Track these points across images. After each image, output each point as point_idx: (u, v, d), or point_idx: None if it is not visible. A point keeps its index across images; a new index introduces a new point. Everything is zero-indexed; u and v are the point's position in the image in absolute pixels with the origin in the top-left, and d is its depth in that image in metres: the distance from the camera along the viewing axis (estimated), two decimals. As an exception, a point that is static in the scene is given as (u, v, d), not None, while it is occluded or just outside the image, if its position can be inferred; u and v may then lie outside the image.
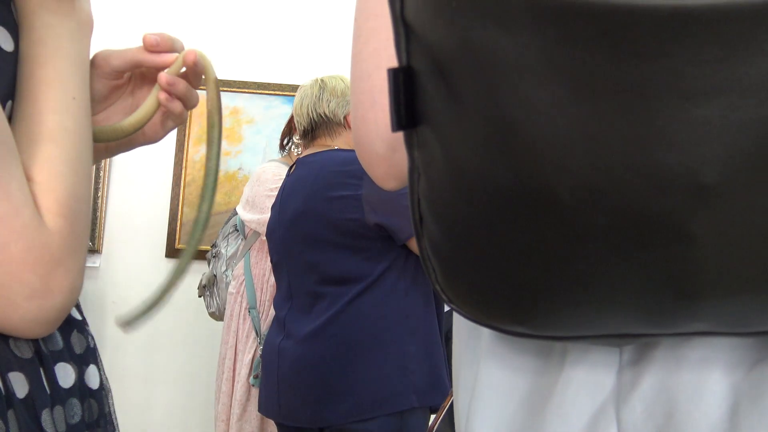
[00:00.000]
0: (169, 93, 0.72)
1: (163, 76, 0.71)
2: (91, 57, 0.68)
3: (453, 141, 0.46)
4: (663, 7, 0.37)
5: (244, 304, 2.30)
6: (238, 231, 2.46)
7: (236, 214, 2.46)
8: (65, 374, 0.58)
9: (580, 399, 0.57)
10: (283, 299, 1.82)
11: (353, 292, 1.64)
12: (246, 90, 3.16)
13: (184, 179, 3.14)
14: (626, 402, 0.56)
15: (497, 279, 0.48)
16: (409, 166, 0.51)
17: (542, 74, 0.41)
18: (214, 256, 2.49)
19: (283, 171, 2.23)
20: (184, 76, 0.72)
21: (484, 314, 0.51)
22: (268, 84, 3.18)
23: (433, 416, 1.69)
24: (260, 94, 3.18)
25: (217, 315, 2.47)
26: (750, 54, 0.38)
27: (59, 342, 0.59)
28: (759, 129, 0.39)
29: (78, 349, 0.62)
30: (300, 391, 1.68)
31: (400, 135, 0.57)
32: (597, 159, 0.41)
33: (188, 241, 0.75)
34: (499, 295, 0.49)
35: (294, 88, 3.06)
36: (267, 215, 2.02)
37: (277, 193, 1.96)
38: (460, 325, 0.68)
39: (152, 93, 0.72)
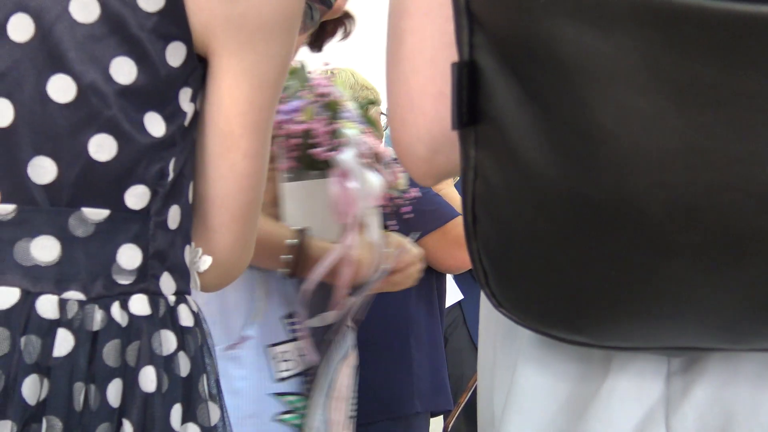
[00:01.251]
0: None
1: None
2: None
3: (526, 144, 0.44)
4: None
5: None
6: None
7: None
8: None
9: (626, 406, 0.56)
10: None
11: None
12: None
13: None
14: (677, 410, 0.55)
15: (563, 288, 0.46)
16: (462, 164, 0.49)
17: (641, 81, 0.39)
18: None
19: None
20: None
21: (539, 321, 0.50)
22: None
23: (433, 419, 1.69)
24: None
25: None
26: None
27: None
28: None
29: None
30: None
31: (441, 137, 0.54)
32: (697, 174, 0.39)
33: None
34: (563, 303, 0.47)
35: (290, 85, 3.04)
36: None
37: None
38: (491, 325, 0.67)
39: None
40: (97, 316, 0.56)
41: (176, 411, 0.58)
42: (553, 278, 0.46)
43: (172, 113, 0.60)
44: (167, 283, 0.61)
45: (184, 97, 0.61)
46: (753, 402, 0.52)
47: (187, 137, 0.62)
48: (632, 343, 0.49)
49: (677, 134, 0.39)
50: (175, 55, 0.59)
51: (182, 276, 0.63)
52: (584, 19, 0.39)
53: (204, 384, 0.62)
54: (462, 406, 1.26)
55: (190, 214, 0.64)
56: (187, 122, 0.62)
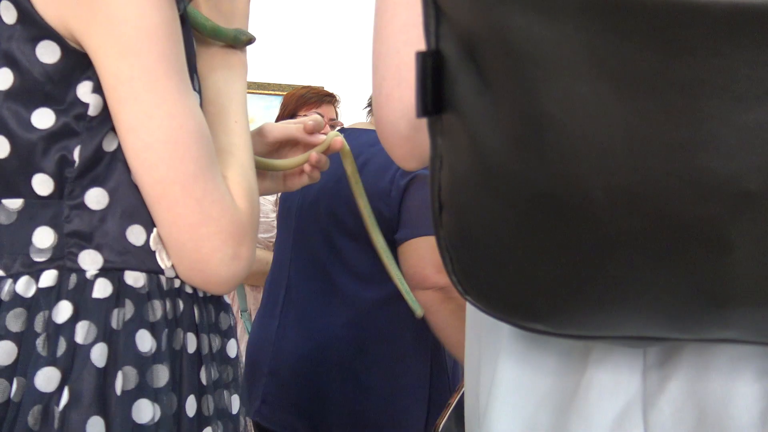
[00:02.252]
0: (314, 166, 0.98)
1: (314, 156, 0.98)
2: (259, 125, 0.99)
3: (482, 132, 0.44)
4: (720, 4, 0.36)
5: (235, 308, 2.29)
6: None
7: None
8: (211, 343, 0.74)
9: (603, 400, 0.56)
10: (280, 281, 1.61)
11: (374, 295, 1.49)
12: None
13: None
14: (654, 405, 0.55)
15: (519, 276, 0.47)
16: (431, 153, 0.49)
17: (584, 69, 0.39)
18: None
19: None
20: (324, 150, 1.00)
21: (500, 309, 0.50)
22: (268, 84, 3.18)
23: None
24: (260, 94, 3.18)
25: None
26: None
27: (212, 318, 0.76)
28: None
29: (223, 326, 0.78)
30: (294, 393, 1.51)
31: None
32: (637, 160, 0.39)
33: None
34: (520, 291, 0.48)
35: (294, 88, 3.05)
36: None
37: None
38: (477, 321, 0.67)
39: (302, 155, 0.99)
40: (5, 288, 0.64)
41: (44, 373, 0.63)
42: (511, 266, 0.46)
43: (67, 106, 0.66)
44: (90, 259, 0.67)
45: (84, 89, 0.66)
46: (724, 395, 0.52)
47: (98, 125, 0.67)
48: (589, 331, 0.49)
49: (618, 121, 0.39)
50: (48, 53, 0.65)
51: (121, 253, 0.68)
52: (533, 7, 0.40)
53: (127, 352, 0.65)
54: (453, 406, 1.26)
55: (128, 195, 0.68)
56: (92, 112, 0.66)
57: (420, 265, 1.39)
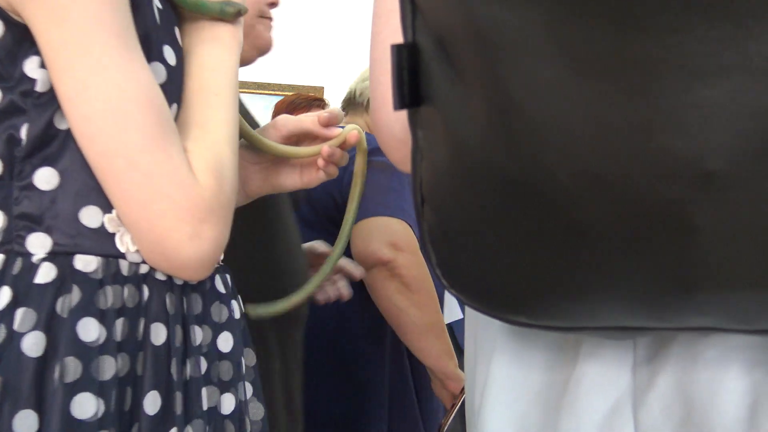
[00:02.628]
0: (328, 161, 0.92)
1: (325, 149, 0.91)
2: (271, 121, 0.93)
3: (457, 123, 0.44)
4: None
5: None
6: None
7: None
8: (191, 335, 0.70)
9: (593, 396, 0.55)
10: None
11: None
12: (245, 90, 3.15)
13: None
14: (643, 402, 0.54)
15: (496, 267, 0.46)
16: (412, 146, 0.49)
17: (545, 52, 0.38)
18: None
19: None
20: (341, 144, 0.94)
21: (482, 301, 0.49)
22: (268, 84, 3.17)
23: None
24: (260, 94, 3.18)
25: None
26: (762, 32, 0.35)
27: (198, 308, 0.71)
28: (765, 117, 0.36)
29: (216, 317, 0.73)
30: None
31: None
32: (600, 143, 0.39)
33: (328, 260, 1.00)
34: (498, 283, 0.47)
35: (294, 88, 3.05)
36: None
37: None
38: (472, 321, 0.67)
39: (314, 146, 0.92)
40: None
41: None
42: (490, 258, 0.46)
43: (15, 83, 0.63)
44: (38, 243, 0.64)
45: (32, 65, 0.63)
46: (711, 389, 0.51)
47: (47, 102, 0.64)
48: (571, 322, 0.48)
49: (580, 104, 0.38)
50: None
51: (73, 236, 0.64)
52: None
53: (65, 340, 0.61)
54: (458, 406, 1.26)
55: (83, 175, 0.65)
56: (40, 87, 0.63)
57: (365, 242, 1.39)
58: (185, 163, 0.65)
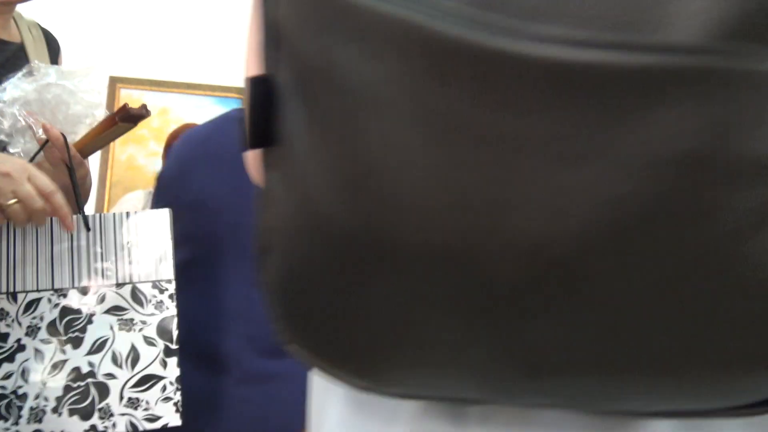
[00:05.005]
0: None
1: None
2: None
3: (308, 170, 0.41)
4: (543, 60, 0.34)
5: None
6: None
7: None
8: None
9: None
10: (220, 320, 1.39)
11: None
12: (176, 90, 3.10)
13: (110, 180, 3.08)
14: None
15: (340, 328, 0.44)
16: (263, 188, 0.46)
17: (405, 111, 0.36)
18: None
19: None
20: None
21: (323, 362, 0.46)
22: (199, 84, 3.13)
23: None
24: (190, 94, 3.13)
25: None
26: (628, 122, 0.34)
27: None
28: (616, 209, 0.35)
29: None
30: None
31: None
32: (452, 216, 0.37)
33: None
34: (341, 344, 0.44)
35: (224, 89, 3.01)
36: None
37: None
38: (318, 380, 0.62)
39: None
40: None
41: None
42: (332, 317, 0.44)
43: None
44: None
45: None
46: None
47: None
48: (412, 390, 0.46)
49: (436, 171, 0.36)
50: None
51: None
52: (354, 39, 0.37)
53: None
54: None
55: None
56: None
57: None
58: None
